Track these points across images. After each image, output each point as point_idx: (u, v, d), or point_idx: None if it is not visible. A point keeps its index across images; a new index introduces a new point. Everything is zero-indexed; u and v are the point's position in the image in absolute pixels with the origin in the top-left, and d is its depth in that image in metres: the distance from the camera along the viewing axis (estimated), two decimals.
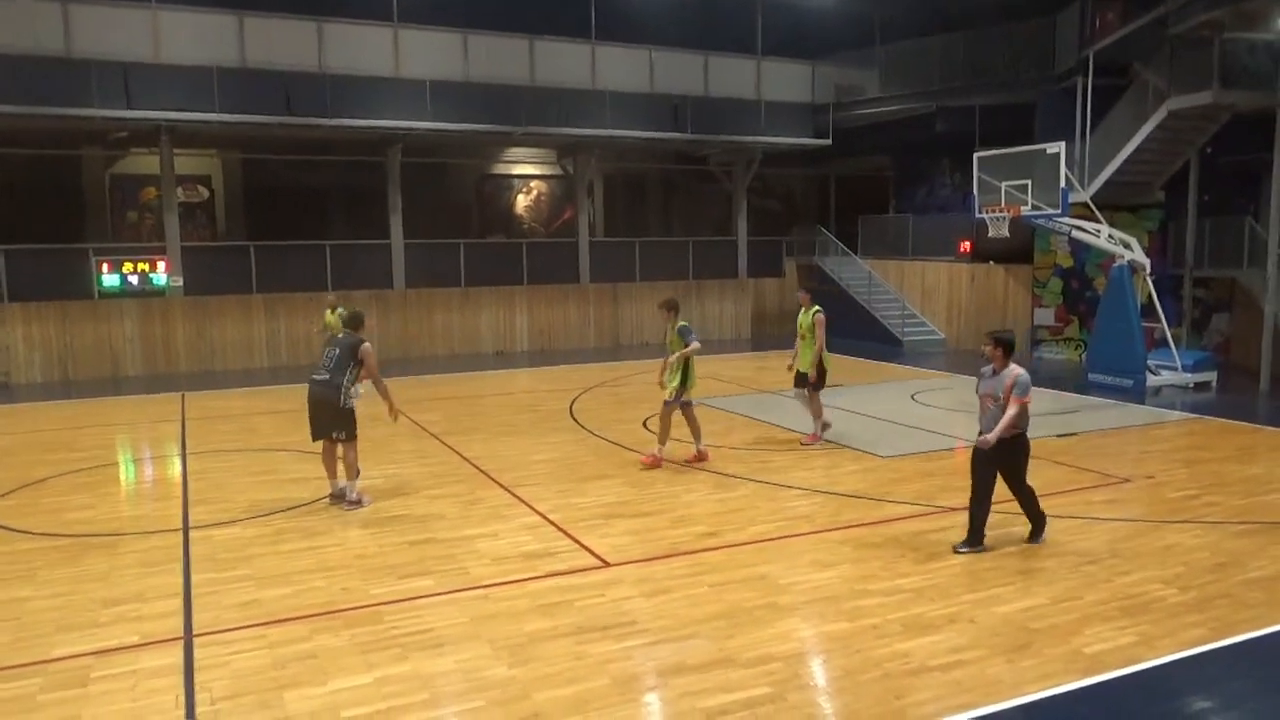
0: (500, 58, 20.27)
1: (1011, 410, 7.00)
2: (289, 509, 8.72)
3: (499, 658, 5.49)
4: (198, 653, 5.60)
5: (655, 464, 10.04)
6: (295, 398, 15.41)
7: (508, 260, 21.88)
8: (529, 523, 8.20)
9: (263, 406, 14.52)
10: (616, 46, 21.46)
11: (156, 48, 17.46)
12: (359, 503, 8.68)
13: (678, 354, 9.90)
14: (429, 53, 19.65)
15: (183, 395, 15.62)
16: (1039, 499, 7.47)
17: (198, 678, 5.28)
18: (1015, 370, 7.12)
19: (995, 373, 7.22)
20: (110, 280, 18.11)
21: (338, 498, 8.81)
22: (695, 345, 9.92)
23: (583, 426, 12.62)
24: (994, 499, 7.20)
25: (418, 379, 17.59)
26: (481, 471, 10.11)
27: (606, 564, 7.10)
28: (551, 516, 8.35)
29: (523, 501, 8.88)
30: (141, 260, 18.45)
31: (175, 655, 5.58)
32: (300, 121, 18.35)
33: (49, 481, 9.98)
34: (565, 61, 20.96)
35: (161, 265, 18.48)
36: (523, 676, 5.25)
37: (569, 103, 20.74)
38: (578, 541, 7.64)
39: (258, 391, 16.17)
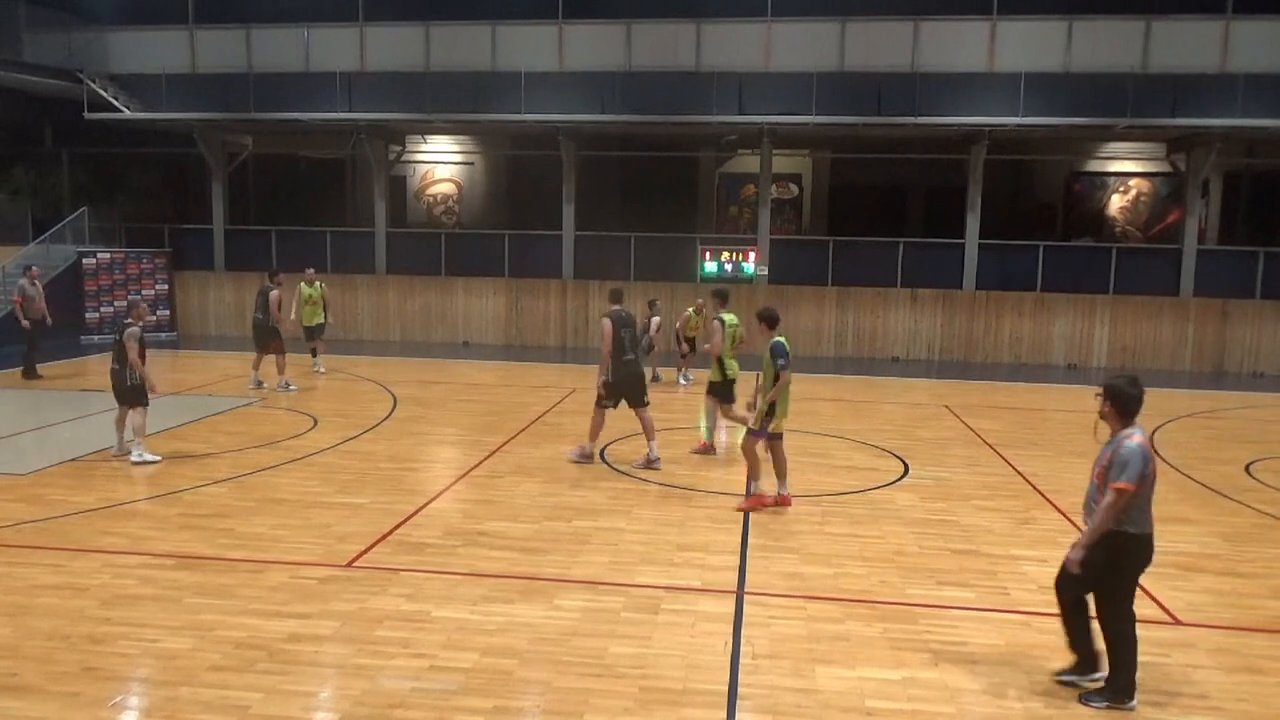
0: (1106, 44, 18.49)
1: (1106, 501, 4.80)
2: (838, 494, 9.12)
3: (1033, 691, 5.14)
4: (746, 609, 6.18)
5: (755, 505, 8.46)
6: (858, 388, 16.14)
7: (1093, 266, 20.02)
8: None
9: (826, 393, 15.34)
10: (1254, 20, 18.18)
11: (767, 57, 19.32)
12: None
13: (774, 384, 8.38)
14: (1027, 44, 18.73)
15: (758, 374, 17.15)
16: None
17: (744, 631, 5.83)
18: (1125, 437, 4.87)
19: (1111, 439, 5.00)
20: (709, 267, 20.68)
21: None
22: (785, 375, 8.33)
23: (1164, 459, 11.08)
24: None
25: (977, 384, 17.05)
26: (1037, 490, 9.48)
27: (1176, 621, 6.19)
28: None
29: (1080, 531, 8.11)
30: (736, 250, 20.74)
31: (728, 606, 6.23)
32: (889, 121, 18.90)
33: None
34: (1187, 41, 18.35)
35: (752, 255, 20.55)
36: (1059, 718, 4.85)
37: (1188, 89, 18.16)
38: (1142, 587, 6.72)
39: (823, 379, 17.12)
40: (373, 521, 7.85)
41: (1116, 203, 22.83)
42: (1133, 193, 22.79)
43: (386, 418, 12.51)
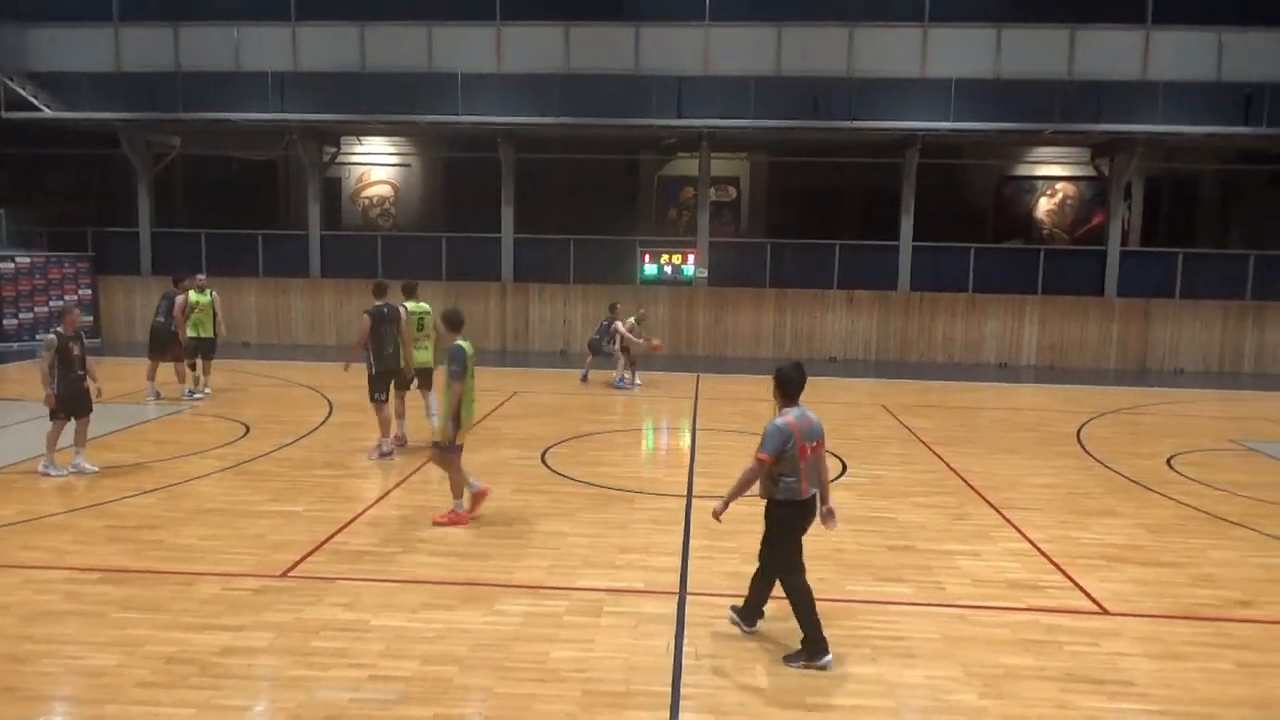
0: (1034, 51, 19.02)
1: (745, 467, 5.57)
2: None
3: (970, 684, 5.25)
4: (688, 609, 6.20)
5: (453, 521, 7.97)
6: None
7: (1022, 267, 20.58)
8: (1017, 549, 7.68)
9: (765, 394, 15.42)
10: (1174, 30, 18.85)
11: (706, 61, 19.44)
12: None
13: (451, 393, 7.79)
14: (958, 51, 19.17)
15: (697, 376, 17.28)
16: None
17: (687, 632, 5.85)
18: (778, 415, 5.54)
19: None
20: (649, 269, 20.75)
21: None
22: (455, 383, 7.71)
23: (1091, 454, 11.43)
24: None
25: (911, 383, 17.38)
26: (970, 486, 9.69)
27: (1104, 611, 6.38)
28: (1044, 546, 7.72)
29: (1012, 525, 8.34)
30: (675, 252, 20.83)
31: (670, 607, 6.24)
32: (825, 125, 19.18)
33: (592, 437, 11.75)
34: (1110, 50, 18.97)
35: (691, 258, 20.66)
36: (995, 710, 4.96)
37: (1112, 96, 18.78)
38: (1071, 579, 6.96)
39: (762, 379, 17.23)
40: (308, 530, 7.69)
41: (1044, 206, 23.50)
42: (1059, 196, 23.49)
43: (321, 424, 12.28)
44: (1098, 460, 11.09)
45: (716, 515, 5.76)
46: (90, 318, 21.00)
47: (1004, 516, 8.60)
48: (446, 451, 7.94)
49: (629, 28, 19.60)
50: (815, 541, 7.63)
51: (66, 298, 20.58)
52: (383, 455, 10.23)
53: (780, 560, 5.63)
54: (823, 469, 5.65)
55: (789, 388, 5.55)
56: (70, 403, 9.23)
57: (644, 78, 19.41)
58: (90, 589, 6.34)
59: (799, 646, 5.45)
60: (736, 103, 19.13)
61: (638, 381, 15.92)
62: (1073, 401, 15.60)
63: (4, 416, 12.09)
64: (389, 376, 10.27)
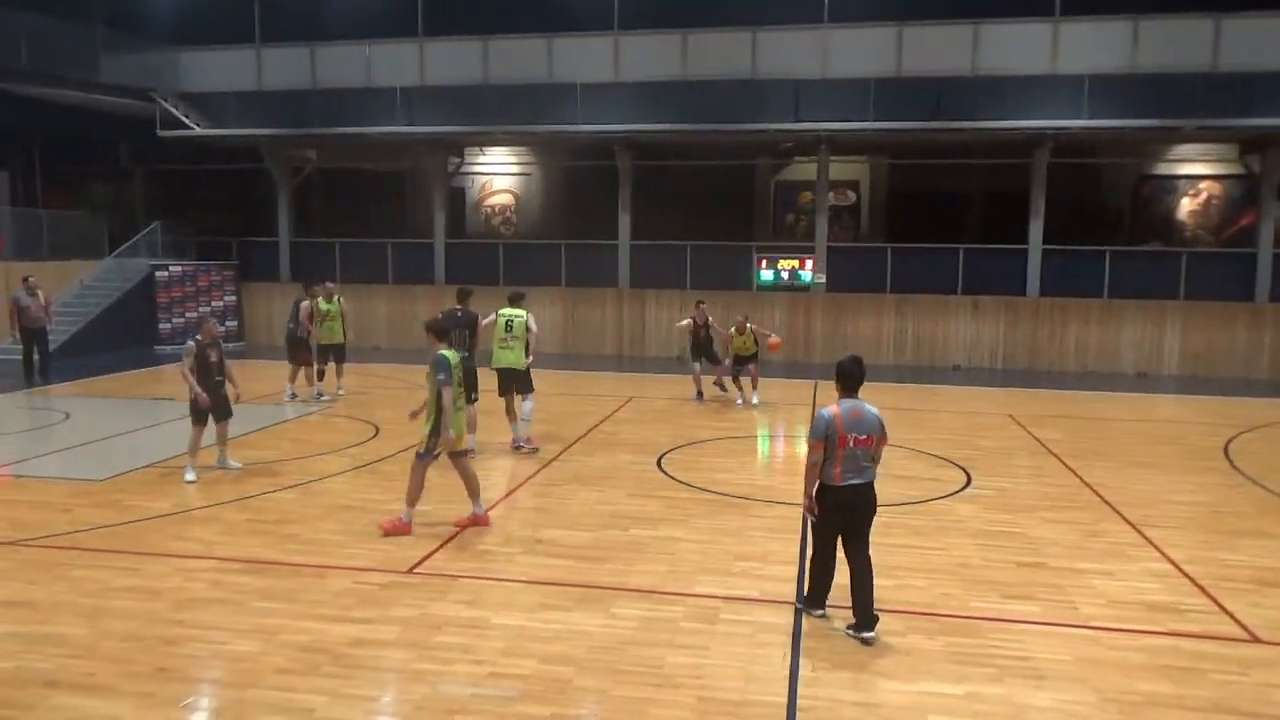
0: (1174, 44, 17.98)
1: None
2: (899, 505, 8.98)
3: (1105, 710, 4.99)
4: (805, 620, 6.12)
5: (394, 530, 7.77)
6: (918, 397, 15.88)
7: (1162, 271, 19.48)
8: (1156, 569, 7.26)
9: (886, 402, 14.93)
10: None
11: (824, 64, 19.19)
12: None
13: (437, 402, 7.73)
14: (1091, 45, 18.32)
15: (815, 384, 17.01)
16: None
17: (804, 643, 5.77)
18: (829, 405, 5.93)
19: None
20: (766, 275, 20.60)
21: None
22: (447, 392, 7.60)
23: (1240, 471, 10.71)
24: None
25: (1041, 393, 16.67)
26: (1105, 502, 9.22)
27: (1255, 639, 5.96)
28: (1186, 568, 7.27)
29: (1151, 544, 7.89)
30: (793, 258, 20.61)
31: (786, 617, 6.17)
32: (947, 126, 18.62)
33: (709, 443, 11.74)
34: (1254, 40, 17.76)
35: (809, 264, 20.41)
36: None
37: (1261, 88, 17.57)
38: (1218, 604, 6.54)
39: (882, 387, 16.86)
40: (433, 528, 7.95)
41: (1186, 206, 22.15)
42: (1203, 196, 22.08)
43: None
44: (1248, 477, 10.38)
45: (808, 511, 6.00)
46: (235, 323, 22.30)
47: (1142, 534, 8.15)
48: (423, 459, 7.84)
49: (745, 33, 19.53)
50: (939, 556, 7.45)
51: (214, 304, 21.93)
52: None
53: (820, 541, 6.08)
54: (872, 466, 5.89)
55: (845, 380, 5.95)
56: (209, 406, 9.61)
57: (761, 82, 19.30)
58: (233, 578, 6.73)
59: (868, 631, 5.81)
60: (855, 105, 18.79)
61: (755, 400, 14.65)
62: (1219, 414, 14.65)
63: (159, 414, 12.98)
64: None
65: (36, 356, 16.37)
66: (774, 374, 17.41)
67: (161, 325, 21.49)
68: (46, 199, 22.54)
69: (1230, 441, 12.34)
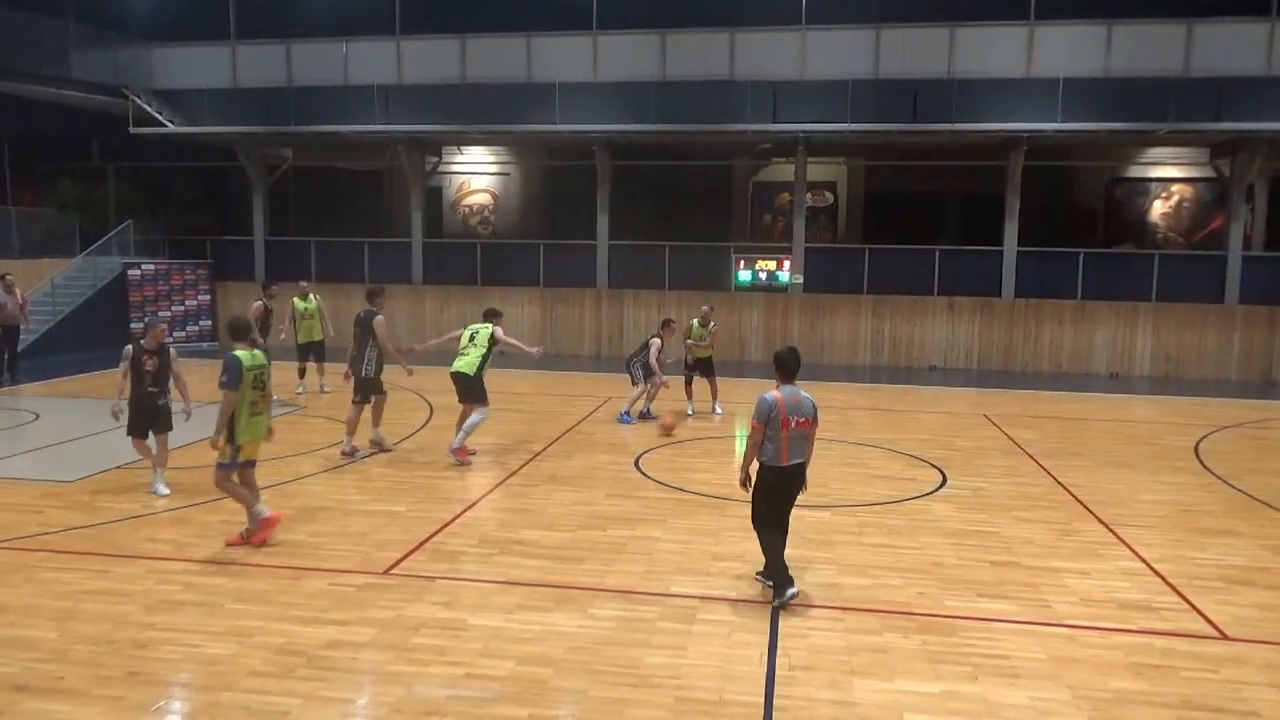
0: (1147, 47, 18.21)
1: None
2: (874, 504, 9.04)
3: (1079, 708, 5.05)
4: (782, 620, 6.14)
5: (238, 543, 7.45)
6: (895, 397, 15.99)
7: (1134, 273, 19.71)
8: (1128, 568, 7.35)
9: (862, 402, 15.22)
10: None
11: (802, 65, 19.26)
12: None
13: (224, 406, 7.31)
14: (1065, 48, 18.51)
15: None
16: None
17: (781, 642, 5.79)
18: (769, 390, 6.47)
19: None
20: (744, 276, 20.65)
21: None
22: (228, 395, 7.22)
23: (1210, 470, 10.85)
24: None
25: (1016, 393, 16.82)
26: (1079, 501, 9.32)
27: (1224, 636, 6.04)
28: (1158, 566, 7.36)
29: (1124, 543, 7.98)
30: (771, 259, 20.67)
31: (763, 617, 6.19)
32: (924, 128, 18.75)
33: (687, 444, 11.75)
34: (1225, 44, 18.00)
35: (786, 264, 20.48)
36: None
37: (1233, 93, 17.82)
38: (1188, 602, 6.62)
39: (858, 388, 16.98)
40: (409, 529, 7.91)
41: (1159, 209, 22.45)
42: (1175, 198, 22.40)
43: (422, 426, 12.62)
44: (1218, 477, 10.52)
45: (742, 485, 6.55)
46: (209, 322, 22.07)
47: (1115, 534, 8.24)
48: (224, 469, 7.38)
49: (724, 34, 19.56)
50: (914, 555, 7.50)
51: (188, 303, 21.69)
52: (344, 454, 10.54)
53: (754, 510, 6.60)
54: (808, 446, 6.48)
55: (784, 368, 6.48)
56: (141, 416, 8.97)
57: (739, 83, 19.34)
58: (206, 580, 6.66)
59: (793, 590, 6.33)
60: (833, 107, 18.87)
61: (718, 410, 13.67)
62: (1190, 414, 14.85)
63: None
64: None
65: (6, 355, 16.14)
66: (753, 375, 17.47)
67: (134, 324, 21.22)
68: (17, 196, 22.19)
69: (1200, 441, 12.51)
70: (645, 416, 13.17)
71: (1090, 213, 22.90)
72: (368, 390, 10.74)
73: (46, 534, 7.69)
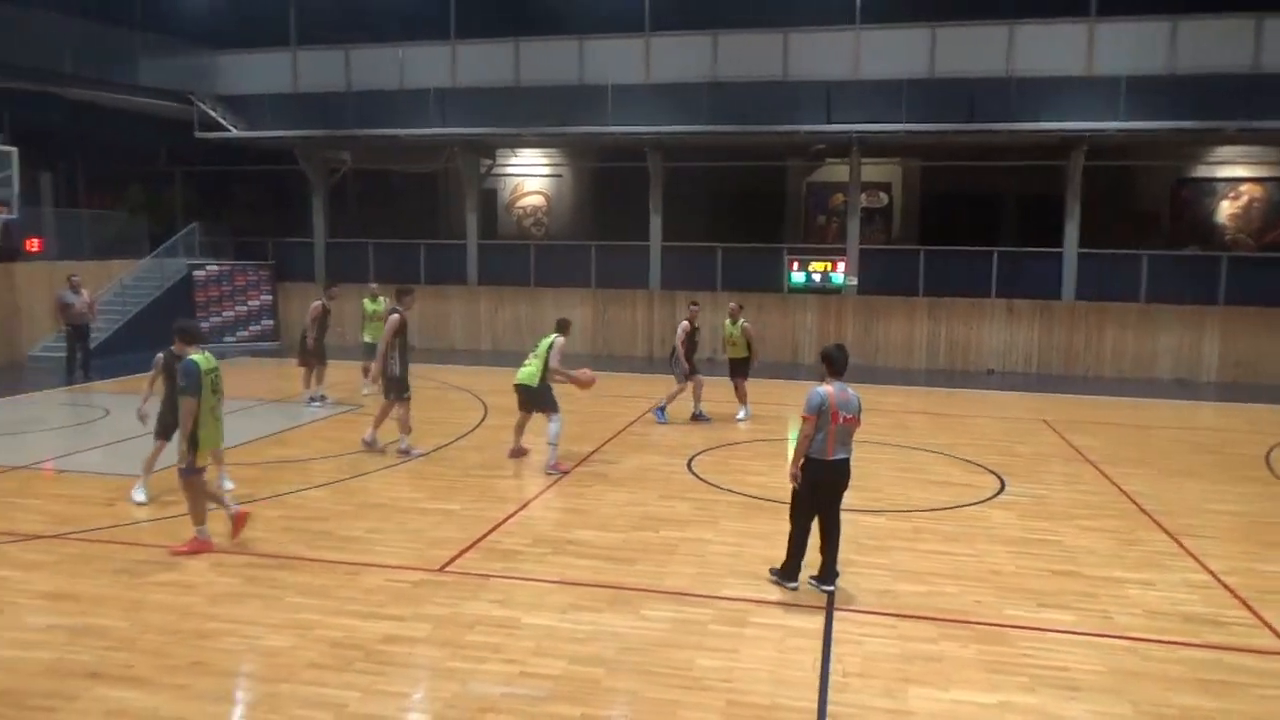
0: (1214, 44, 17.68)
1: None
2: (931, 510, 8.92)
3: None
4: (835, 625, 6.09)
5: (194, 550, 7.25)
6: (951, 402, 15.76)
7: (1202, 276, 19.14)
8: (1195, 580, 7.14)
9: (917, 406, 15.01)
10: None
11: (856, 65, 19.08)
12: None
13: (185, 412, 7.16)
14: (1128, 46, 18.06)
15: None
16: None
17: (834, 649, 5.74)
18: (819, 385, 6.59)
19: None
20: (797, 277, 20.50)
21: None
22: (187, 401, 7.08)
23: None
24: None
25: (1077, 398, 16.44)
26: (1142, 510, 9.09)
27: None
28: (1226, 579, 7.15)
29: (1189, 554, 7.76)
30: (825, 260, 20.51)
31: (817, 622, 6.15)
32: (981, 128, 18.44)
33: (741, 445, 11.72)
34: None
35: (840, 265, 20.29)
36: None
37: None
38: (1258, 616, 6.42)
39: (913, 391, 16.75)
40: (464, 527, 8.01)
41: (1226, 209, 21.78)
42: (1244, 199, 21.71)
43: (477, 426, 12.76)
44: None
45: (792, 478, 6.60)
46: (271, 321, 22.56)
47: (1180, 544, 8.02)
48: (186, 475, 7.24)
49: (777, 34, 19.46)
50: (971, 562, 7.38)
51: (250, 303, 22.21)
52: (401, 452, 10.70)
53: (793, 503, 6.70)
54: (851, 443, 6.61)
55: (832, 365, 6.58)
56: (171, 423, 8.45)
57: (792, 84, 19.23)
58: (268, 574, 6.82)
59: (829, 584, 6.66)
60: (888, 107, 18.65)
61: (741, 415, 13.32)
62: (1261, 422, 14.38)
63: None
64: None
65: (79, 354, 16.69)
66: (807, 377, 17.32)
67: (200, 324, 21.80)
68: (88, 200, 22.94)
69: (1272, 450, 12.11)
70: (698, 418, 13.13)
71: (1154, 214, 22.31)
72: (392, 389, 10.80)
73: (116, 526, 7.94)
